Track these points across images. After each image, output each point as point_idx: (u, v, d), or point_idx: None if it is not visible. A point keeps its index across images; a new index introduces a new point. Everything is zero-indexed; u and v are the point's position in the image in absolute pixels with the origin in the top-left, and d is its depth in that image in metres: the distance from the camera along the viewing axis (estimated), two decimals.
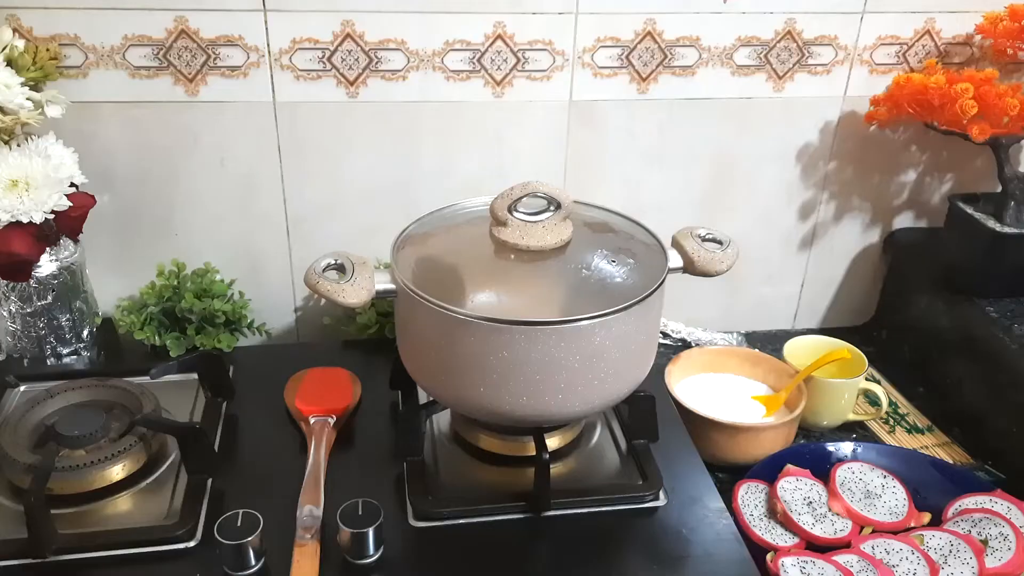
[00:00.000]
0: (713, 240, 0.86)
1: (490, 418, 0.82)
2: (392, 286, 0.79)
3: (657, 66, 1.06)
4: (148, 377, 0.89)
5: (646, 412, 0.85)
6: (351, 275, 0.78)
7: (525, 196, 0.79)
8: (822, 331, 1.24)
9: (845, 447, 0.96)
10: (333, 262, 0.80)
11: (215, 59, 0.98)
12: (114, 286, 1.08)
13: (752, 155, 1.13)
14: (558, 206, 0.81)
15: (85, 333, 1.01)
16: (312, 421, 0.88)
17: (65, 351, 1.00)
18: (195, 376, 0.93)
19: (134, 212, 1.05)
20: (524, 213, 0.81)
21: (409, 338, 0.81)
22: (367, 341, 1.06)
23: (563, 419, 0.82)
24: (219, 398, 0.91)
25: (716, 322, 1.22)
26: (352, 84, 1.01)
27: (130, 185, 1.03)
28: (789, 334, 1.23)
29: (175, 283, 1.02)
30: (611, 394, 0.79)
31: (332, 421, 0.88)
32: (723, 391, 1.04)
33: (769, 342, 1.21)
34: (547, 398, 0.75)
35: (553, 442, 0.85)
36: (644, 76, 1.06)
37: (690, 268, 0.84)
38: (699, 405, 0.96)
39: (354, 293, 0.77)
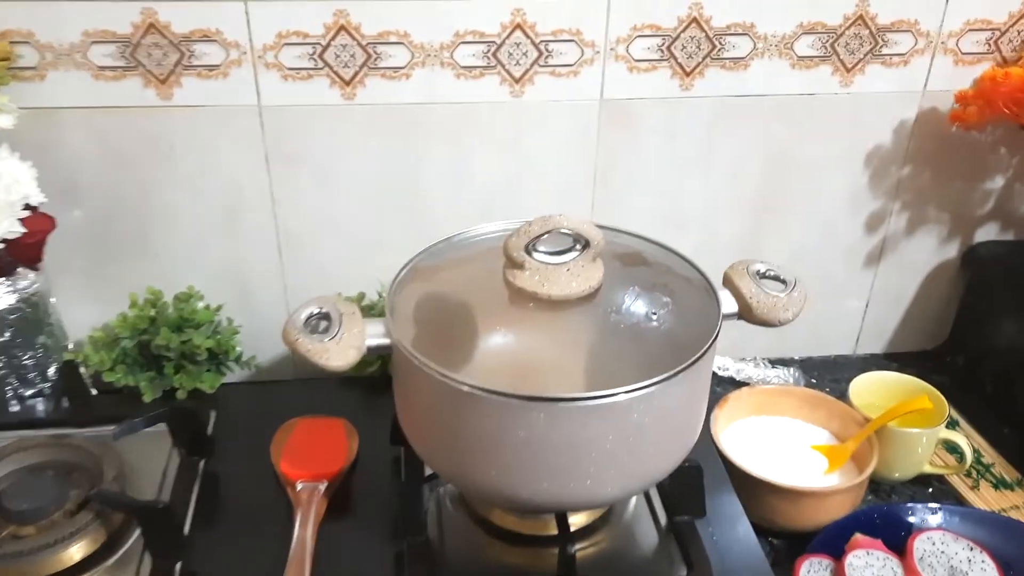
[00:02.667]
0: (775, 278, 0.72)
1: (504, 504, 0.69)
2: (386, 341, 0.66)
3: (703, 58, 0.90)
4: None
5: (692, 485, 0.72)
6: (337, 330, 0.65)
7: (546, 234, 0.65)
8: (888, 356, 1.10)
9: (923, 512, 0.82)
10: (317, 311, 0.67)
11: (190, 57, 0.85)
12: (87, 313, 0.95)
13: (812, 160, 0.97)
14: (586, 244, 0.67)
15: (51, 371, 0.89)
16: (299, 487, 0.76)
17: (28, 392, 0.88)
18: None
19: (106, 230, 0.92)
20: (545, 253, 0.67)
21: (408, 403, 0.68)
22: (367, 379, 0.93)
23: (591, 506, 0.69)
24: (195, 456, 0.79)
25: (766, 348, 1.07)
26: (348, 84, 0.87)
27: (99, 201, 0.91)
28: (850, 360, 1.09)
29: (151, 313, 0.90)
30: (650, 475, 0.66)
31: (323, 488, 0.76)
32: (778, 439, 0.90)
33: (828, 371, 1.07)
34: (572, 484, 0.62)
35: (579, 519, 0.72)
36: (688, 70, 0.91)
37: (747, 314, 0.70)
38: (751, 459, 0.83)
39: (339, 354, 0.63)
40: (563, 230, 0.65)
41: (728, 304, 0.70)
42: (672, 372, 0.60)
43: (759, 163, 0.97)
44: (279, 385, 0.99)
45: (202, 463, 0.79)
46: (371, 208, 0.94)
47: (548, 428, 0.59)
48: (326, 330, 0.65)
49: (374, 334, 0.66)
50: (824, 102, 0.94)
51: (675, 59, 0.90)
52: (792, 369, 1.04)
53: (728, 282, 0.72)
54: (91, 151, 0.88)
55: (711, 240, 1.00)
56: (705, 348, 0.63)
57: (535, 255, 0.66)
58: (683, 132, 0.94)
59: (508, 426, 0.60)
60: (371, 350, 0.66)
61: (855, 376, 0.94)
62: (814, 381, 1.04)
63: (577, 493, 0.63)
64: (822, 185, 0.99)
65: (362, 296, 0.98)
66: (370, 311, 0.95)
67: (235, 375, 0.95)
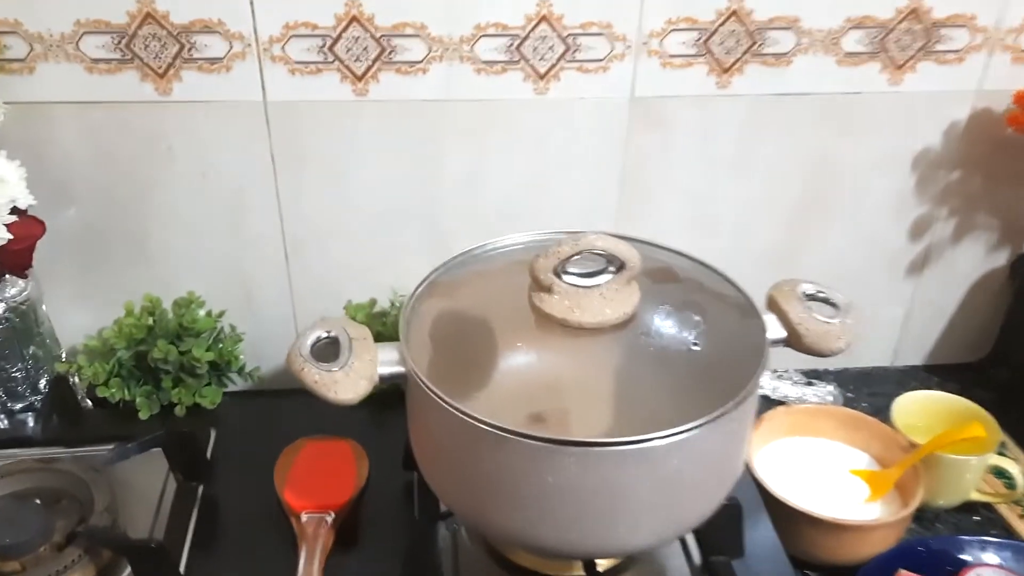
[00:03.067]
0: (825, 301, 0.66)
1: (528, 550, 0.63)
2: (401, 369, 0.60)
3: (743, 54, 0.84)
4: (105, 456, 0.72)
5: (731, 524, 0.66)
6: (347, 357, 0.59)
7: (577, 255, 0.59)
8: (928, 368, 1.04)
9: (974, 546, 0.76)
10: (324, 335, 0.61)
11: (190, 49, 0.78)
12: (80, 319, 0.90)
13: (856, 162, 0.91)
14: (621, 266, 0.61)
15: (43, 383, 0.84)
16: (305, 519, 0.70)
17: (18, 407, 0.83)
18: None
19: (100, 233, 0.87)
20: (576, 275, 0.61)
21: (423, 437, 0.63)
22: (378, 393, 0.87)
23: (623, 554, 0.64)
24: (193, 481, 0.74)
25: (800, 359, 1.01)
26: (360, 79, 0.81)
27: (93, 202, 0.85)
28: (888, 373, 1.04)
29: (149, 322, 0.85)
30: (688, 520, 0.60)
31: (330, 519, 0.71)
32: (815, 462, 0.84)
33: (864, 383, 1.01)
34: (604, 532, 0.57)
35: (608, 560, 0.66)
36: (726, 66, 0.84)
37: (795, 343, 0.64)
38: (788, 483, 0.77)
39: (349, 385, 0.58)
40: (596, 251, 0.59)
41: (774, 330, 0.64)
42: (716, 414, 0.54)
43: (799, 165, 0.90)
44: (284, 397, 0.93)
45: (200, 488, 0.74)
46: (384, 211, 0.88)
47: (579, 474, 0.54)
48: (334, 357, 0.59)
49: (387, 361, 0.60)
50: (871, 101, 0.87)
51: (712, 54, 0.83)
52: (831, 386, 0.98)
53: (773, 305, 0.66)
54: (84, 149, 0.82)
55: (744, 247, 0.94)
56: (751, 384, 0.57)
57: (565, 278, 0.60)
58: (718, 132, 0.88)
59: (535, 471, 0.54)
60: (384, 379, 0.60)
61: (893, 390, 0.89)
62: (851, 395, 0.98)
63: (608, 541, 0.57)
64: (865, 189, 0.93)
65: (373, 303, 0.92)
66: (382, 319, 0.90)
67: (237, 385, 0.90)
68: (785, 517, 0.75)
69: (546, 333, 0.61)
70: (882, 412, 0.86)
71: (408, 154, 0.85)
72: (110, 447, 0.74)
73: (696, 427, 0.53)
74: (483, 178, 0.88)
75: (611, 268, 0.61)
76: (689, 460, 0.55)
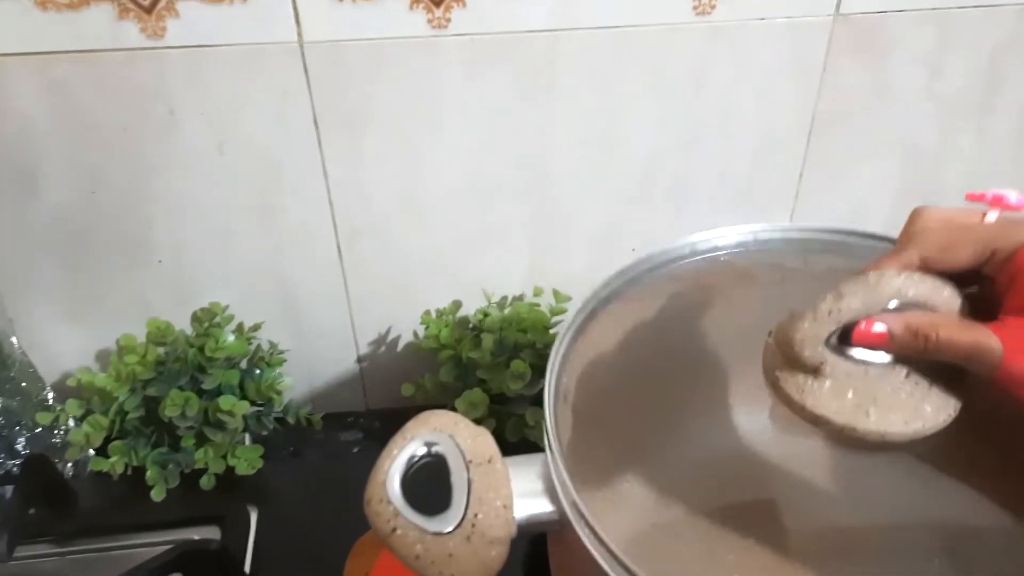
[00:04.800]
0: None
1: None
2: (551, 509, 0.36)
3: None
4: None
5: None
6: (463, 503, 0.35)
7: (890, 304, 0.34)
8: None
9: None
10: (423, 452, 0.37)
11: None
12: (71, 342, 0.68)
13: None
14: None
15: (20, 443, 0.62)
16: None
17: None
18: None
19: (87, 230, 0.63)
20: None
21: None
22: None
23: None
24: None
25: None
26: (438, 4, 0.55)
27: (73, 189, 0.61)
28: None
29: (159, 354, 0.61)
30: None
31: None
32: None
33: None
34: None
35: None
36: None
37: None
38: None
39: (471, 559, 0.34)
40: (904, 301, 0.34)
41: None
42: None
43: None
44: (350, 448, 0.70)
45: None
46: (468, 187, 0.63)
47: None
48: (443, 495, 0.36)
49: (527, 493, 0.36)
50: None
51: None
52: None
53: None
54: (51, 118, 0.58)
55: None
56: None
57: (846, 351, 0.35)
58: (958, 61, 0.60)
59: None
60: (523, 529, 0.36)
61: None
62: None
63: None
64: None
65: (458, 306, 0.68)
66: (470, 335, 0.66)
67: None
68: None
69: (796, 445, 0.36)
70: None
71: (506, 109, 0.60)
72: (108, 543, 0.52)
73: None
74: (613, 139, 0.62)
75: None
76: None
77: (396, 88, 0.58)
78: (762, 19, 0.57)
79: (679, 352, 0.42)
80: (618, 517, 0.35)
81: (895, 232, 0.38)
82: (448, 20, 0.55)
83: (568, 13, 0.56)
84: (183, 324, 0.66)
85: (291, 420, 0.67)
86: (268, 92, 0.58)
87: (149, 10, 0.54)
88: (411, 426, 0.38)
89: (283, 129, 0.59)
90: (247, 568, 0.55)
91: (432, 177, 0.63)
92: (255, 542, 0.57)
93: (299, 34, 0.55)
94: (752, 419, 0.38)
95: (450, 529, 0.34)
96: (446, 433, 0.38)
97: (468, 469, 0.36)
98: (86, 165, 0.60)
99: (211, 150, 0.60)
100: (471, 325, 0.68)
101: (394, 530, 0.34)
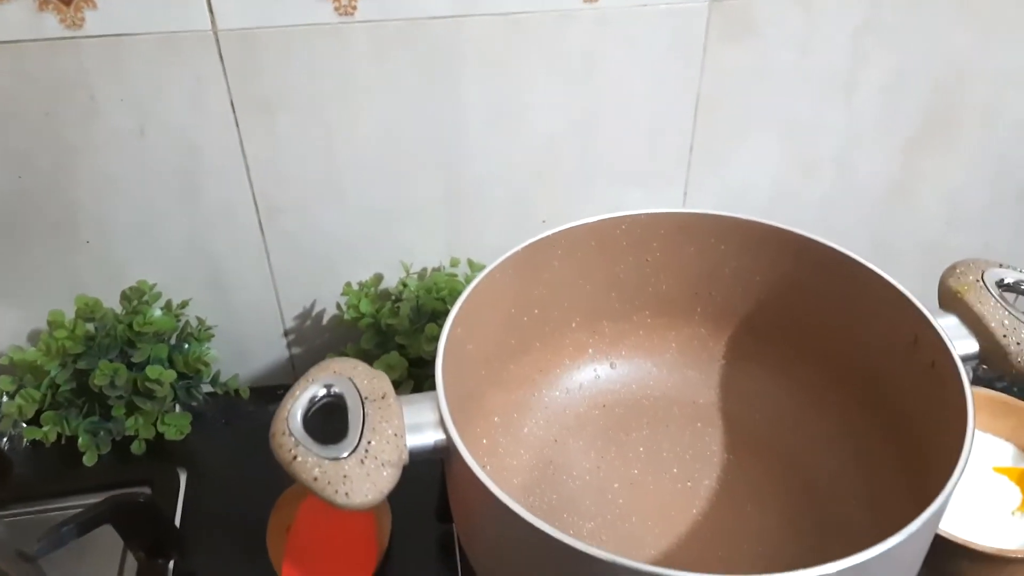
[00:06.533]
0: None
1: None
2: (441, 437, 0.41)
3: None
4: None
5: None
6: (358, 433, 0.40)
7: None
8: None
9: None
10: (323, 393, 0.42)
11: None
12: (5, 320, 0.70)
13: (993, 73, 0.69)
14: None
15: None
16: None
17: None
18: None
19: (15, 213, 0.66)
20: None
21: (474, 526, 0.44)
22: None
23: None
24: (159, 558, 0.55)
25: None
26: None
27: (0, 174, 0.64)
28: None
29: (89, 329, 0.65)
30: None
31: None
32: None
33: None
34: None
35: None
36: None
37: (997, 361, 0.45)
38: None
39: (365, 481, 0.38)
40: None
41: (963, 343, 0.45)
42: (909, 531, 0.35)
43: (923, 81, 0.69)
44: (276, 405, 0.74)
45: (171, 565, 0.55)
46: (384, 165, 0.67)
47: None
48: (341, 430, 0.40)
49: (419, 425, 0.41)
50: None
51: None
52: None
53: (952, 301, 0.46)
54: None
55: (848, 188, 0.74)
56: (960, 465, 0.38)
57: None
58: (822, 41, 0.66)
59: None
60: (414, 455, 0.41)
61: None
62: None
63: None
64: (998, 110, 0.72)
65: (379, 278, 0.73)
66: (392, 306, 0.70)
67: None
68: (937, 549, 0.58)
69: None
70: None
71: (413, 90, 0.64)
72: (43, 506, 0.55)
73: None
74: (515, 117, 0.66)
75: None
76: None
77: (308, 72, 0.62)
78: (644, 5, 0.63)
79: (558, 309, 0.47)
80: (493, 447, 0.40)
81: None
82: (354, 8, 0.60)
83: (465, 1, 0.60)
84: (113, 303, 0.69)
85: (219, 391, 0.70)
86: (185, 78, 0.61)
87: (68, 2, 0.57)
88: (313, 371, 0.42)
89: (201, 113, 0.63)
90: (177, 524, 0.59)
91: (348, 156, 0.67)
92: (184, 501, 0.61)
93: (213, 23, 0.59)
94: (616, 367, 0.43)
95: (345, 455, 0.39)
96: (345, 376, 0.42)
97: (364, 405, 0.41)
98: (11, 151, 0.63)
99: (132, 134, 0.63)
100: (392, 297, 0.72)
101: (295, 458, 0.39)
